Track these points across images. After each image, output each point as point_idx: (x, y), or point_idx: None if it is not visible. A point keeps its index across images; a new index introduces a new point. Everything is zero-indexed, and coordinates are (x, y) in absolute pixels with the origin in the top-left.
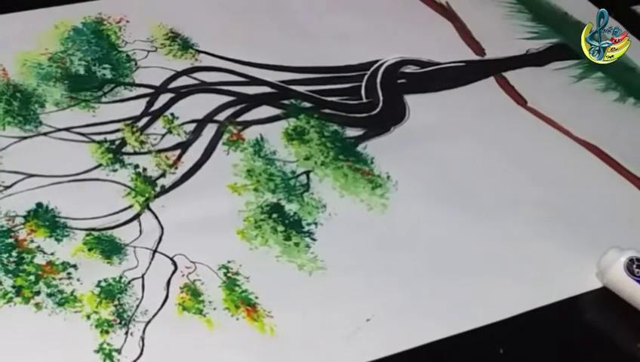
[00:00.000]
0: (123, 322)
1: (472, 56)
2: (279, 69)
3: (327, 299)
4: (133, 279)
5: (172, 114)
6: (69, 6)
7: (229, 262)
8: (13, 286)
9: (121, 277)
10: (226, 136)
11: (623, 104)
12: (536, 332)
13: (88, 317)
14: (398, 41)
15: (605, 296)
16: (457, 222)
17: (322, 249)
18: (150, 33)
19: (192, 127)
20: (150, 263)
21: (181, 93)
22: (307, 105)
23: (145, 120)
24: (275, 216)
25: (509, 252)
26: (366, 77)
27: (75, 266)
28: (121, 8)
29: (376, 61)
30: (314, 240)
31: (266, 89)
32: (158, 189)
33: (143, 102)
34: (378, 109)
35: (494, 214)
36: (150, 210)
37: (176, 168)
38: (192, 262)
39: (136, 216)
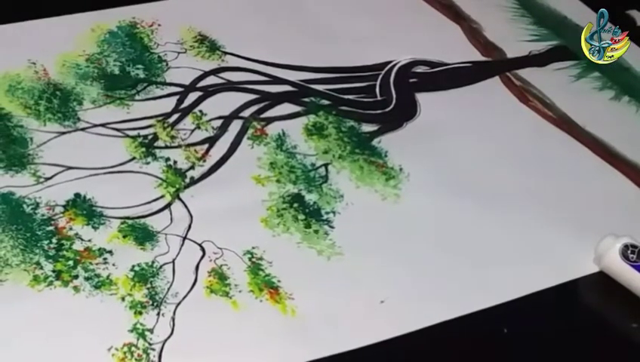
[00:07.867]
0: (155, 304)
1: (478, 57)
2: (300, 69)
3: (344, 282)
4: (165, 264)
5: (200, 111)
6: (105, 11)
7: (253, 248)
8: (54, 271)
9: (153, 262)
10: (250, 131)
11: (618, 102)
12: (538, 313)
13: (123, 299)
14: (410, 43)
15: (602, 280)
16: (464, 212)
17: (340, 236)
18: (180, 36)
19: (219, 123)
20: (180, 249)
21: (209, 92)
22: (326, 102)
23: (175, 116)
24: (296, 205)
25: (513, 239)
26: (380, 76)
27: (110, 252)
28: (153, 13)
29: (390, 61)
30: (332, 227)
31: (288, 88)
32: (187, 181)
33: (174, 100)
34: (391, 106)
35: (499, 204)
36: (180, 199)
37: (205, 161)
38: (219, 248)
39: (168, 206)
